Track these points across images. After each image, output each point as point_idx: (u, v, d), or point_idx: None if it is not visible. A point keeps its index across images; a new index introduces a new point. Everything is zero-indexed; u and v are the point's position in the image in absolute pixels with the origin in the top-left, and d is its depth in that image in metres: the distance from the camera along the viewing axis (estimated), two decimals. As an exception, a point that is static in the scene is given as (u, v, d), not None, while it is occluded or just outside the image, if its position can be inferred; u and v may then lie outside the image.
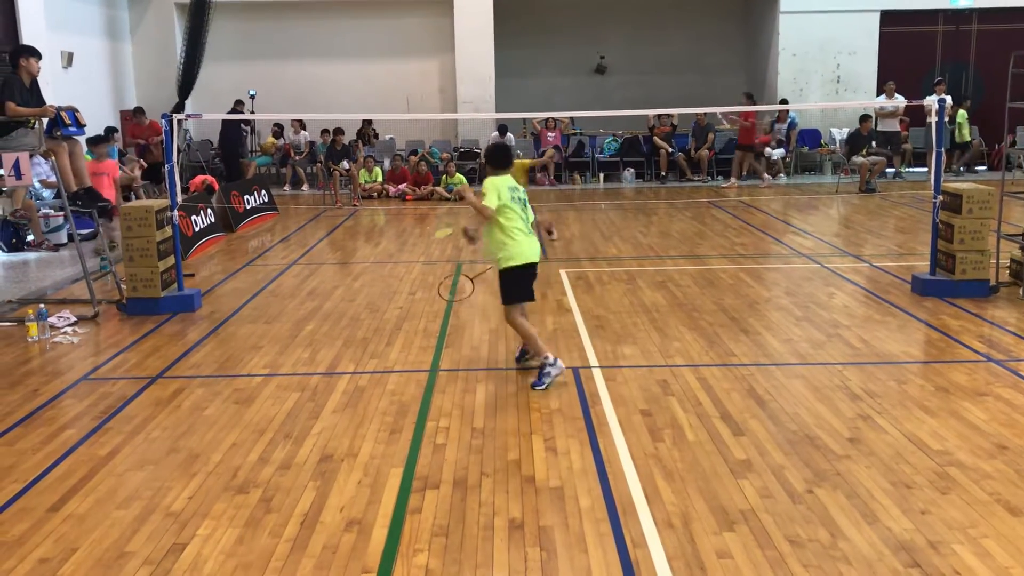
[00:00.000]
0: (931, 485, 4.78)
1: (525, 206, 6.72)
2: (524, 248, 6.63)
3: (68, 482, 5.04)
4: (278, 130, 20.37)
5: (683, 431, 5.61)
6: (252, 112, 18.96)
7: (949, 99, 18.39)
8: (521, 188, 6.75)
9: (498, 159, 6.80)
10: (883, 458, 5.14)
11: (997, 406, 5.95)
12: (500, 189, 6.53)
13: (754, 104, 18.79)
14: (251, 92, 19.92)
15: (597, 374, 6.77)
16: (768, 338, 7.66)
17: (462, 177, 17.96)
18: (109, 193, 11.58)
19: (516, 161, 10.32)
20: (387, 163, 19.22)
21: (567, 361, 7.09)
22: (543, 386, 6.41)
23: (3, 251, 12.17)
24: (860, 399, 6.12)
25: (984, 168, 20.19)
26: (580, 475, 4.99)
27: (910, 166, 19.98)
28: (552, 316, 8.52)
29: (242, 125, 19.09)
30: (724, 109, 17.74)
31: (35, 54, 9.01)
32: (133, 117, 18.61)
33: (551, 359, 6.52)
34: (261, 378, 6.86)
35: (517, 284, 6.72)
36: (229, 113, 18.86)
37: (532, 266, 6.73)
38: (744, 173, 19.08)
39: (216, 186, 14.77)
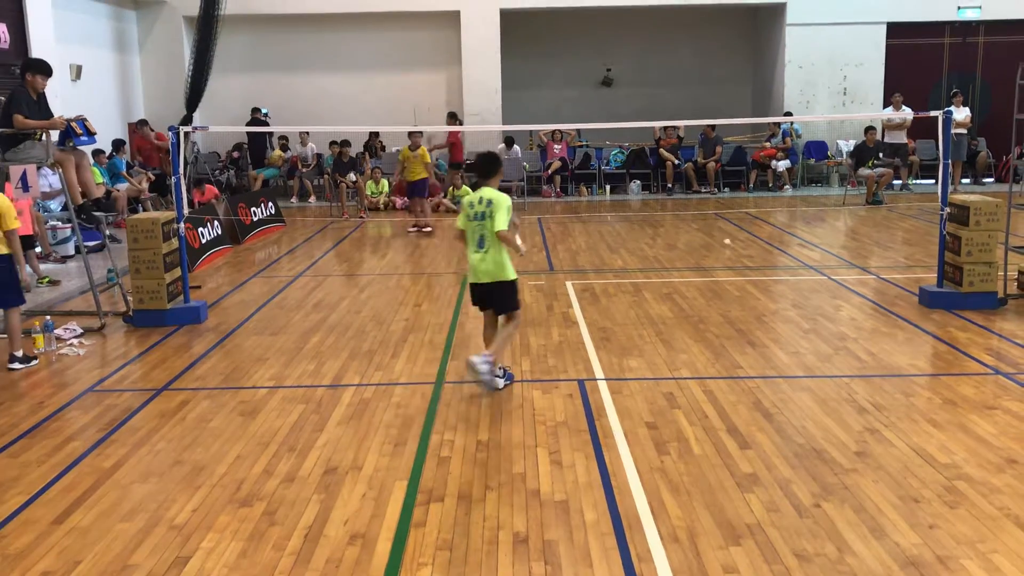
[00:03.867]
0: (939, 499, 4.75)
1: (478, 219, 6.67)
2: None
3: (72, 494, 5.03)
4: (285, 142, 20.44)
5: (689, 444, 5.58)
6: (455, 120, 19.20)
7: (967, 111, 18.46)
8: (485, 200, 6.64)
9: (494, 168, 6.87)
10: (891, 472, 5.11)
11: (1006, 419, 5.90)
12: (463, 207, 6.78)
13: (459, 124, 19.06)
14: (264, 111, 20.05)
15: (603, 386, 6.75)
16: (775, 351, 7.63)
17: (468, 189, 17.95)
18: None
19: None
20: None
21: (573, 373, 7.09)
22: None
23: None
24: (867, 412, 6.08)
25: (991, 180, 20.14)
26: (585, 489, 4.97)
27: (917, 178, 19.95)
28: (558, 328, 8.50)
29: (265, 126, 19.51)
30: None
31: (42, 71, 9.03)
32: (137, 130, 18.69)
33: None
34: (266, 390, 6.85)
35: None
36: (249, 123, 19.19)
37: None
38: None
39: (218, 194, 14.90)
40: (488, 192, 6.66)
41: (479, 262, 6.68)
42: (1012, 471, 5.09)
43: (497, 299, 6.77)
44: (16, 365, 7.52)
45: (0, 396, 6.85)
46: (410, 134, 15.26)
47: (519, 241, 6.63)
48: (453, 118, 19.24)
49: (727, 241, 13.02)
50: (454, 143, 19.26)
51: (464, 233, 6.78)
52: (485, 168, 6.85)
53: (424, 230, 14.93)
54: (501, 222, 6.50)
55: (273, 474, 5.26)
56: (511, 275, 6.72)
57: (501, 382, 6.66)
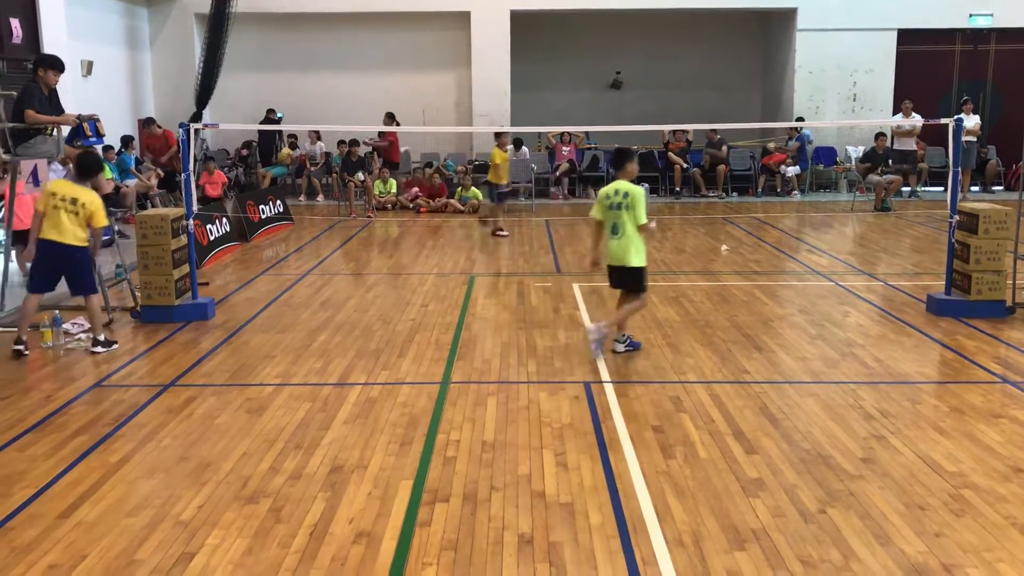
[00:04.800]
0: (945, 507, 4.74)
1: (615, 209, 7.52)
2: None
3: (78, 489, 5.05)
4: (294, 141, 20.47)
5: (695, 448, 5.57)
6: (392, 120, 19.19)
7: (977, 119, 18.41)
8: (622, 192, 7.47)
9: (621, 161, 7.64)
10: (897, 479, 5.10)
11: (1013, 428, 5.89)
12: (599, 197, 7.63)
13: (396, 124, 18.86)
14: (279, 115, 20.10)
15: (609, 389, 6.75)
16: (782, 356, 7.62)
17: (477, 191, 17.99)
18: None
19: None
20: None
21: (579, 376, 7.09)
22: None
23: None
24: (874, 419, 6.07)
25: (1001, 188, 20.08)
26: (591, 491, 4.97)
27: (926, 185, 19.90)
28: (564, 330, 8.50)
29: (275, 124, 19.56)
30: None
31: (55, 66, 9.06)
32: (145, 127, 18.74)
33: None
34: (273, 388, 6.87)
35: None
36: (263, 121, 19.28)
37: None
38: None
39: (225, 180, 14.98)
40: (624, 185, 7.49)
41: (615, 248, 7.54)
42: (1019, 480, 5.08)
43: (625, 280, 7.65)
44: (99, 348, 7.87)
45: (8, 390, 6.88)
46: (499, 135, 14.64)
47: (653, 225, 7.56)
48: (391, 118, 19.09)
49: (724, 248, 12.98)
50: (392, 143, 19.16)
51: (601, 223, 7.63)
52: (617, 161, 7.72)
53: (502, 234, 14.37)
54: (642, 216, 7.36)
55: (279, 471, 5.27)
56: (637, 262, 7.49)
57: (621, 347, 7.63)
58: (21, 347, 7.74)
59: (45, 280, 7.95)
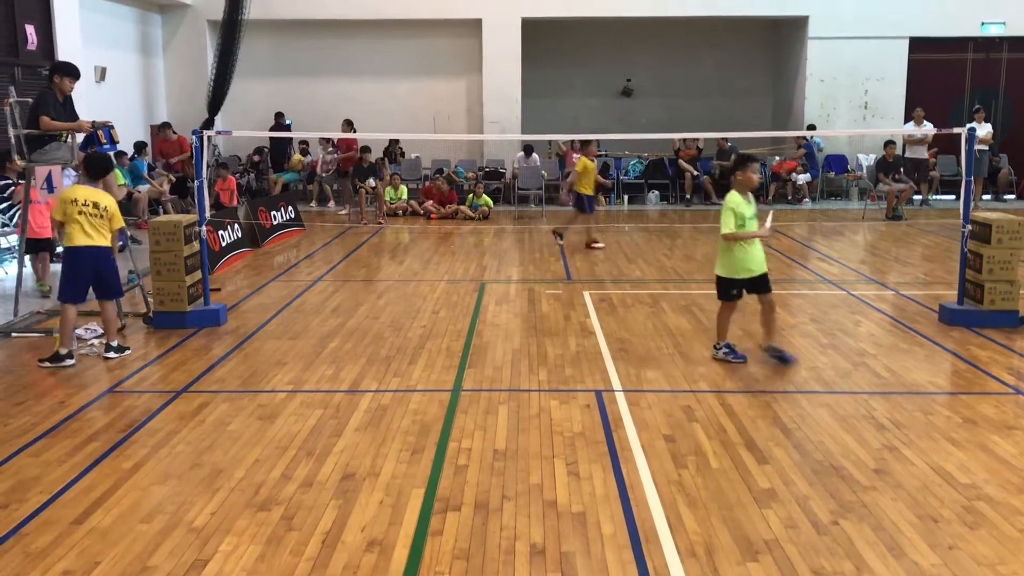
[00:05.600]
0: (959, 519, 4.72)
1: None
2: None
3: (92, 495, 5.07)
4: (305, 147, 20.54)
5: (707, 458, 5.57)
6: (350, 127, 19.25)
7: (989, 127, 18.36)
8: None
9: (731, 170, 7.81)
10: (910, 490, 5.08)
11: (1026, 440, 5.86)
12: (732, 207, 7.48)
13: (354, 131, 18.71)
14: (287, 121, 20.20)
15: (620, 398, 6.74)
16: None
17: (488, 199, 18.03)
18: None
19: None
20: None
21: (590, 384, 7.09)
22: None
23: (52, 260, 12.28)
24: (886, 429, 6.05)
25: (1012, 196, 20.02)
26: (603, 501, 4.96)
27: (937, 193, 19.84)
28: (575, 338, 8.50)
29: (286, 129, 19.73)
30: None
31: (70, 73, 9.11)
32: (160, 132, 18.85)
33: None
34: (285, 394, 6.89)
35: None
36: (272, 127, 19.42)
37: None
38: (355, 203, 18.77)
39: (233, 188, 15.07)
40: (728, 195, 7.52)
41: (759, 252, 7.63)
42: (1033, 492, 5.05)
43: (764, 284, 7.63)
44: (112, 354, 7.90)
45: (22, 395, 6.91)
46: (585, 144, 13.99)
47: (755, 228, 7.54)
48: (349, 125, 19.12)
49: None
50: (351, 149, 19.07)
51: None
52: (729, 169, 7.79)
53: (597, 246, 13.75)
54: (724, 225, 7.40)
55: (291, 479, 5.28)
56: (721, 272, 7.65)
57: (719, 352, 7.69)
58: (71, 361, 7.70)
59: (81, 289, 7.86)
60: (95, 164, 8.19)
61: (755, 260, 7.54)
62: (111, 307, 8.04)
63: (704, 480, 5.24)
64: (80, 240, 7.74)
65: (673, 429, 6.07)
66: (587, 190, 13.81)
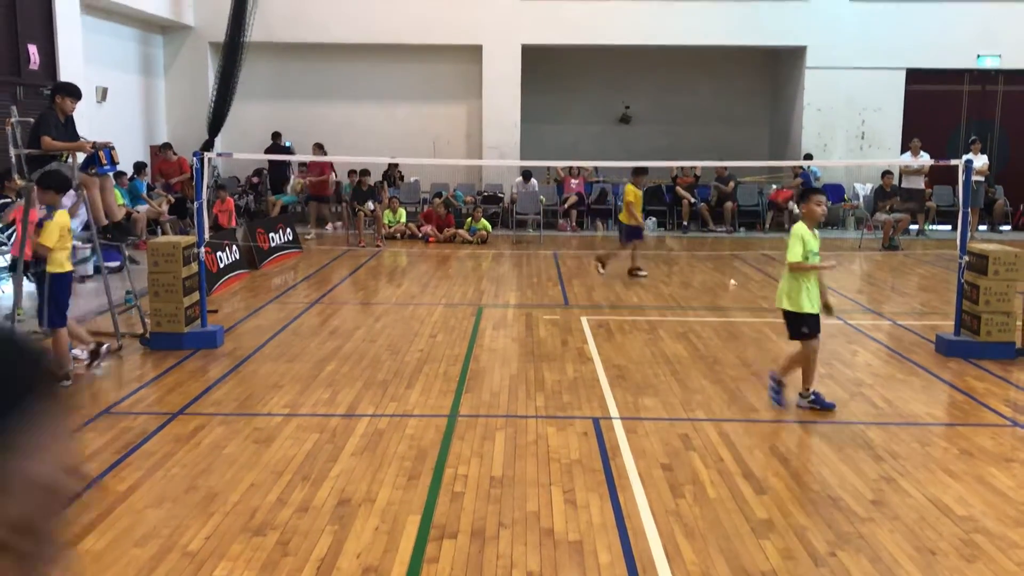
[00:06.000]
0: (956, 552, 4.71)
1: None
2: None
3: (86, 518, 5.04)
4: (304, 169, 20.59)
5: (704, 488, 5.55)
6: (320, 150, 19.32)
7: (985, 158, 18.47)
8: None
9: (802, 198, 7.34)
10: (907, 522, 5.07)
11: (1024, 473, 5.86)
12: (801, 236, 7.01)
13: (325, 154, 18.72)
14: (287, 143, 20.28)
15: (618, 425, 6.73)
16: (791, 394, 7.59)
17: (487, 223, 18.07)
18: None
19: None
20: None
21: (587, 411, 7.07)
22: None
23: (30, 281, 12.28)
24: (883, 460, 6.05)
25: (1008, 227, 20.11)
26: (599, 530, 4.95)
27: (933, 223, 19.93)
28: (573, 364, 8.49)
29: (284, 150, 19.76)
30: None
31: (72, 94, 9.15)
32: (160, 152, 18.90)
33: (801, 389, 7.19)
34: (281, 418, 6.87)
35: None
36: (269, 147, 19.72)
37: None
38: (320, 224, 18.95)
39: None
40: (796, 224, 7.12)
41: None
42: (1030, 526, 5.04)
43: (787, 324, 7.17)
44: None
45: (17, 415, 6.87)
46: (637, 171, 13.63)
47: (818, 262, 7.10)
48: (320, 149, 19.15)
49: (732, 283, 12.98)
50: (324, 175, 19.08)
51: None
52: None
53: (641, 273, 13.50)
54: (791, 253, 6.94)
55: (287, 503, 5.26)
56: (787, 305, 7.03)
57: (804, 401, 7.14)
58: (68, 382, 7.70)
59: (66, 312, 7.84)
60: (61, 179, 8.02)
61: (816, 296, 7.06)
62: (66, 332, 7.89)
63: (702, 510, 5.22)
64: (68, 265, 7.77)
65: (671, 457, 6.06)
66: (633, 219, 13.53)
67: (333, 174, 19.46)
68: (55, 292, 7.74)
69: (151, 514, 5.11)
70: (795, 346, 7.15)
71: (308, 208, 19.38)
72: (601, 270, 13.71)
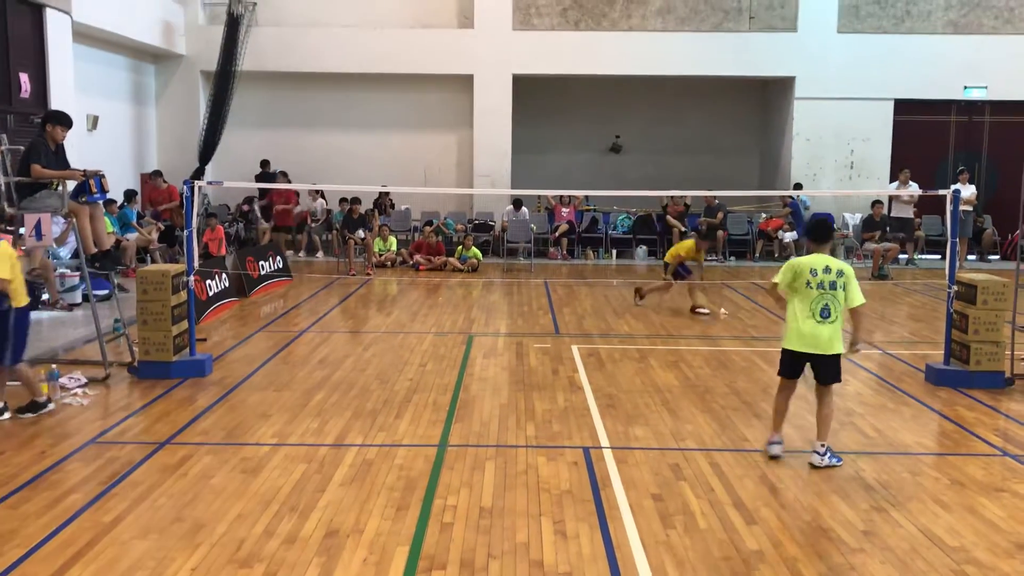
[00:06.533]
0: (948, 584, 4.68)
1: (825, 288, 6.57)
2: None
3: (70, 549, 4.98)
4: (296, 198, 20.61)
5: (695, 518, 5.52)
6: (285, 179, 19.30)
7: (973, 188, 18.60)
8: (834, 269, 6.59)
9: (828, 234, 6.92)
10: (898, 553, 5.05)
11: (1014, 503, 5.85)
12: (793, 268, 6.64)
13: (289, 182, 18.73)
14: (281, 171, 20.35)
15: (608, 455, 6.70)
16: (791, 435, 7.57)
17: (477, 251, 18.09)
18: None
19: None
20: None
21: (578, 440, 7.04)
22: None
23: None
24: (874, 490, 6.03)
25: (997, 257, 20.22)
26: (590, 561, 4.91)
27: (922, 253, 20.03)
28: (563, 393, 8.47)
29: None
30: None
31: (63, 122, 9.17)
32: (150, 180, 18.90)
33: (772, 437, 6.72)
34: (269, 447, 6.81)
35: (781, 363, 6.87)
36: (259, 175, 19.67)
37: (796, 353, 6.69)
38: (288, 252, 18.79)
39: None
40: (835, 262, 6.63)
41: (822, 333, 6.58)
42: (1022, 557, 5.03)
43: (823, 370, 6.68)
44: (28, 414, 7.54)
45: (3, 444, 6.81)
46: (706, 235, 13.80)
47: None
48: (284, 176, 19.13)
49: (723, 312, 12.98)
50: (287, 204, 19.04)
51: (784, 293, 6.75)
52: (822, 233, 6.90)
53: (704, 311, 13.02)
54: (859, 296, 6.58)
55: (274, 535, 5.21)
56: (841, 348, 6.67)
57: (822, 460, 6.50)
58: (51, 405, 7.65)
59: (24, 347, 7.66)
60: None
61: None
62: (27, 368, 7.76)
63: (692, 540, 5.19)
64: (25, 299, 7.51)
65: (661, 487, 6.03)
66: (677, 260, 13.46)
67: (297, 203, 19.47)
68: (16, 327, 7.42)
69: (137, 545, 5.05)
70: (822, 406, 6.72)
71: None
72: (639, 301, 13.72)
